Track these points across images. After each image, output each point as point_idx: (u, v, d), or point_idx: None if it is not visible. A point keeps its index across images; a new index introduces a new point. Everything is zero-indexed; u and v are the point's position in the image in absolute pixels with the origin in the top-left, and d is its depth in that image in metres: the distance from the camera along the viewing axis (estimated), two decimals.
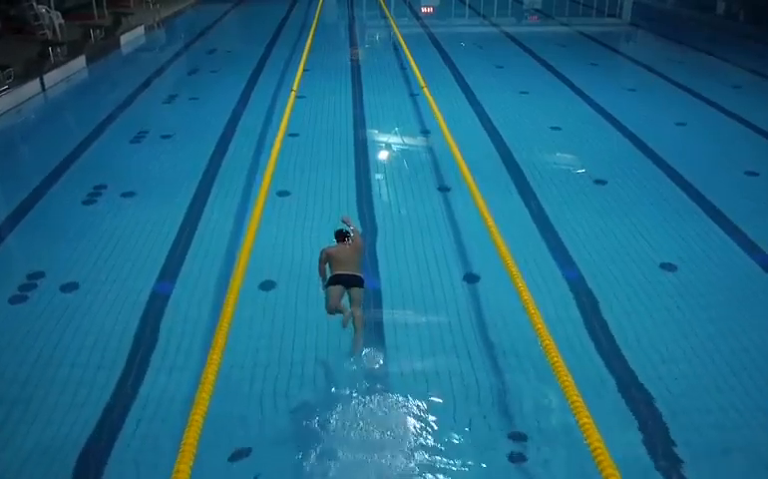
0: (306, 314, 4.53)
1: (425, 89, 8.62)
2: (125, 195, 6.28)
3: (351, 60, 11.94)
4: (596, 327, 4.39)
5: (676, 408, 3.66)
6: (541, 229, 5.63)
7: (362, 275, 4.53)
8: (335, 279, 4.44)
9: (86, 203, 6.17)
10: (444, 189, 6.43)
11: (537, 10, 19.29)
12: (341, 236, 4.78)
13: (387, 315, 4.60)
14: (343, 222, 4.94)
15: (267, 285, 4.83)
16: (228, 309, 3.49)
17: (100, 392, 3.79)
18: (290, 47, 12.80)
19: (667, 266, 5.08)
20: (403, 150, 7.55)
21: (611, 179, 6.65)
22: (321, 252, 4.65)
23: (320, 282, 4.56)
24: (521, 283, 3.81)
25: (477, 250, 5.25)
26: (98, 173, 6.77)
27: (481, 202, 4.99)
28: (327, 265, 4.56)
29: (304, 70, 9.92)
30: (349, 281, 4.44)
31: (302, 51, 11.11)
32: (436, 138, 7.62)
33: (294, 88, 8.51)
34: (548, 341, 3.26)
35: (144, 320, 4.47)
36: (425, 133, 8.01)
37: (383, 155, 7.46)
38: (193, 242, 5.43)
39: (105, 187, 6.45)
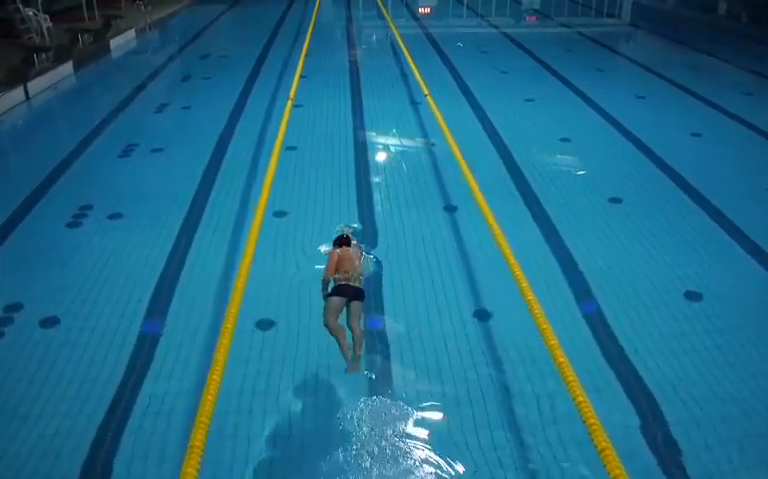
0: (307, 348, 4.21)
1: (428, 97, 8.29)
2: (112, 216, 5.92)
3: (349, 64, 11.58)
4: (624, 371, 4.06)
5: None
6: (556, 255, 5.30)
7: (363, 288, 4.38)
8: (338, 290, 4.24)
9: (70, 225, 5.81)
10: (450, 208, 6.09)
11: (536, 10, 18.98)
12: (342, 241, 4.63)
13: (393, 349, 4.27)
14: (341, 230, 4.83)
15: (265, 324, 4.48)
16: (221, 356, 3.15)
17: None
18: (287, 51, 12.45)
19: (693, 296, 4.77)
20: (406, 164, 7.20)
21: (627, 196, 6.33)
22: (332, 254, 4.48)
23: (320, 290, 4.34)
24: (538, 312, 3.50)
25: (488, 278, 4.93)
26: (83, 192, 6.41)
27: (493, 224, 4.67)
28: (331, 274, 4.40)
29: (301, 76, 9.57)
30: (351, 294, 4.24)
31: (299, 55, 10.76)
32: (441, 151, 7.30)
33: (291, 96, 8.17)
34: (572, 379, 2.98)
35: (132, 362, 4.13)
36: (429, 146, 7.68)
37: (385, 169, 7.13)
38: (184, 271, 5.08)
39: (90, 207, 6.09)
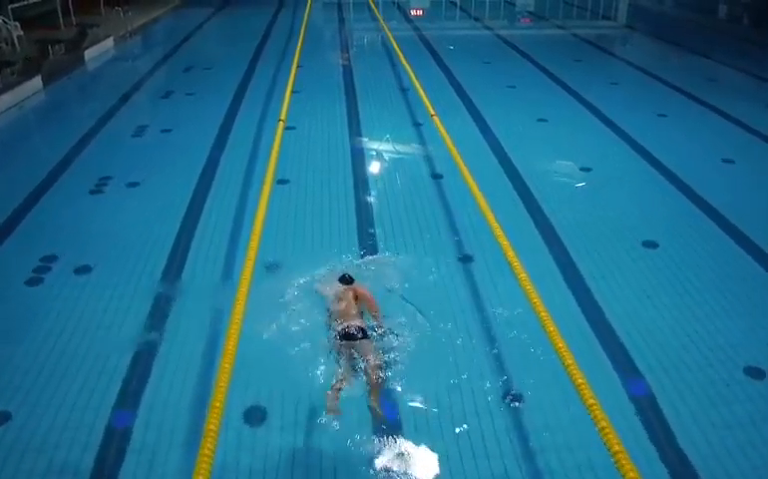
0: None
1: (435, 117, 7.61)
2: (79, 270, 5.21)
3: (344, 78, 10.89)
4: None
5: None
6: (591, 321, 4.65)
7: (364, 327, 4.23)
8: (340, 331, 4.13)
9: (30, 283, 5.10)
10: (467, 259, 5.43)
11: (530, 13, 18.44)
12: (344, 279, 4.70)
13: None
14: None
15: (253, 413, 3.81)
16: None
17: None
18: (276, 61, 11.74)
19: (754, 372, 4.15)
20: (413, 200, 6.53)
21: (663, 239, 5.69)
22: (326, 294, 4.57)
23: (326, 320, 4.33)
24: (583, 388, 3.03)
25: (517, 351, 4.29)
26: (47, 238, 5.69)
27: (523, 280, 4.13)
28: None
29: (293, 92, 8.90)
30: (354, 335, 4.12)
31: (290, 67, 10.08)
32: (452, 182, 6.67)
33: (282, 117, 7.48)
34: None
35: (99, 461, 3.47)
36: (438, 177, 7.01)
37: (388, 205, 6.45)
38: (162, 346, 4.38)
39: (55, 258, 5.37)
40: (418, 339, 4.32)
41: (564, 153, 7.70)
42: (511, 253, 4.51)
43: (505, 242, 4.67)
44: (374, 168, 7.41)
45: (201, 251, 5.52)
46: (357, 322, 4.23)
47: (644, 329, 4.55)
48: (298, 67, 10.34)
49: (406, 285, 4.92)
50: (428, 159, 7.51)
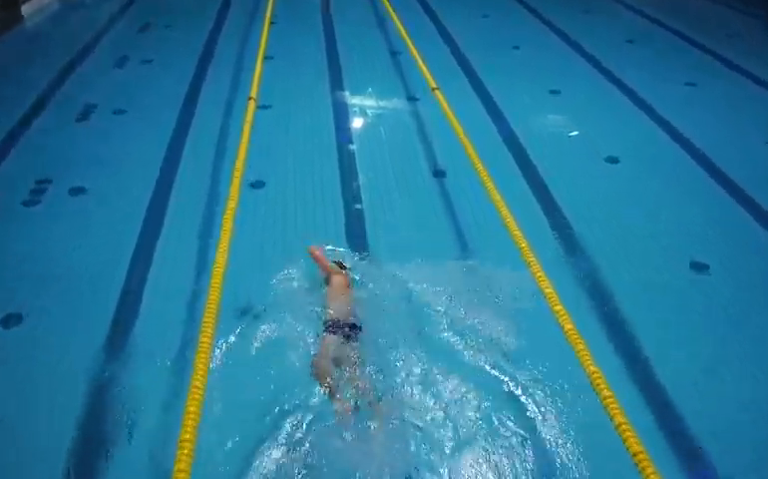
0: None
1: (436, 91, 6.52)
2: (7, 321, 4.24)
3: (325, 38, 9.65)
4: None
5: None
6: (632, 371, 3.86)
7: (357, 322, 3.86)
8: (332, 327, 3.78)
9: None
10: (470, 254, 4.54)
11: None
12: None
13: None
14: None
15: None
16: None
17: None
18: (246, 20, 10.37)
19: None
20: (410, 200, 5.61)
21: (713, 258, 4.87)
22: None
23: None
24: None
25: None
26: None
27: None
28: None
29: (265, 58, 7.72)
30: (347, 333, 3.76)
31: (261, 27, 8.78)
32: (455, 180, 5.75)
33: (252, 94, 6.33)
34: None
35: None
36: (440, 174, 6.06)
37: (384, 203, 5.53)
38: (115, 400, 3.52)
39: None
40: None
41: (586, 140, 6.74)
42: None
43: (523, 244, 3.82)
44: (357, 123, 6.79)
45: (162, 267, 4.62)
46: (351, 318, 3.86)
47: (700, 379, 3.79)
48: (271, 23, 9.07)
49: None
50: (427, 145, 6.55)
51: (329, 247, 4.64)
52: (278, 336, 3.87)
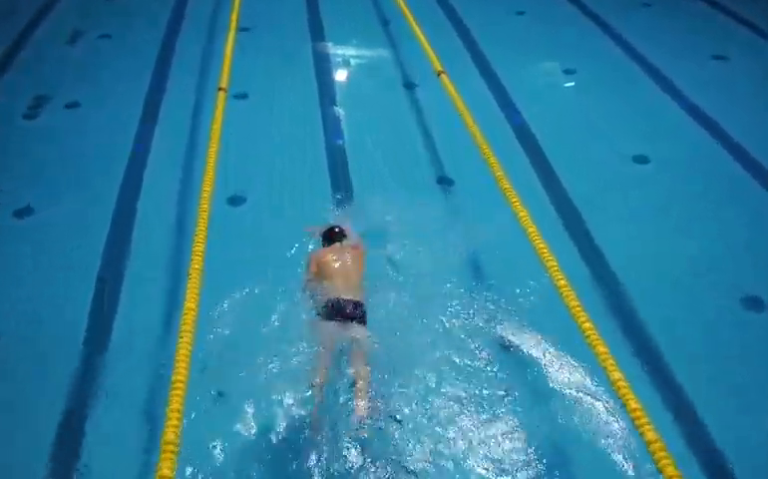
0: None
1: (442, 75, 5.55)
2: None
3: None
4: None
5: None
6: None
7: (363, 303, 3.44)
8: (329, 309, 3.35)
9: None
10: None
11: None
12: (333, 235, 3.88)
13: None
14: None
15: None
16: None
17: None
18: None
19: None
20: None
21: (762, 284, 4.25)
22: (307, 258, 3.78)
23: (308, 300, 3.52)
24: None
25: None
26: None
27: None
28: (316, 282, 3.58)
29: (238, 35, 6.76)
30: (348, 313, 3.32)
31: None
32: (462, 195, 5.05)
33: (223, 85, 5.40)
34: None
35: None
36: (446, 181, 5.33)
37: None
38: None
39: None
40: None
41: (607, 135, 5.99)
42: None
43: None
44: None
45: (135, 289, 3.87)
46: (355, 295, 3.42)
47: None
48: None
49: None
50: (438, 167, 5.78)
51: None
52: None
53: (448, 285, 3.96)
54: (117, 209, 4.84)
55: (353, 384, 3.22)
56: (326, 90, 6.67)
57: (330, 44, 7.52)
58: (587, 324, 2.72)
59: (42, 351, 3.72)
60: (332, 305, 3.37)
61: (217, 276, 3.36)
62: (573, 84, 6.86)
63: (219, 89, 5.15)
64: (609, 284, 4.20)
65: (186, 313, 2.69)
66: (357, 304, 3.40)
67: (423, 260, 4.14)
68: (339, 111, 6.33)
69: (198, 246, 3.15)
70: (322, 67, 7.05)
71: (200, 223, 3.39)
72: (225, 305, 3.71)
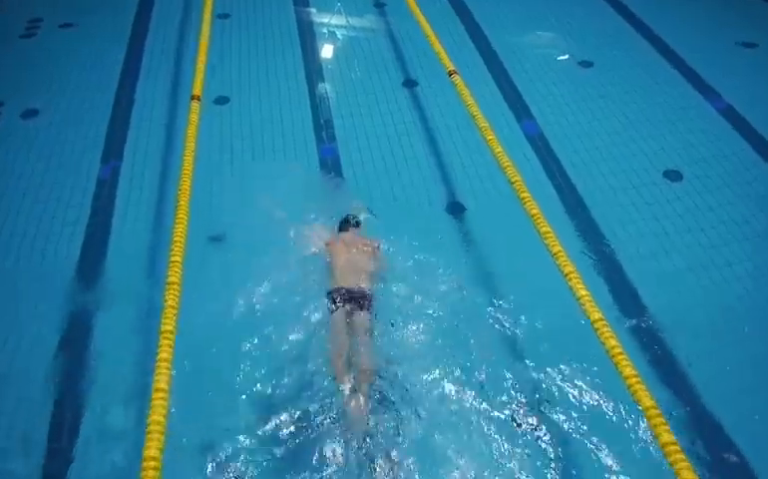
0: None
1: (455, 76, 4.92)
2: None
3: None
4: None
5: None
6: None
7: (369, 292, 3.46)
8: (336, 298, 3.41)
9: None
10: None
11: None
12: (348, 224, 3.97)
13: None
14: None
15: None
16: None
17: None
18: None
19: None
20: None
21: None
22: (325, 243, 3.83)
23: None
24: None
25: None
26: None
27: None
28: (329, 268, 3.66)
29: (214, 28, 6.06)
30: (352, 299, 3.39)
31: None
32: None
33: (197, 93, 4.67)
34: None
35: None
36: (457, 210, 4.75)
37: None
38: None
39: None
40: None
41: (635, 142, 5.37)
42: None
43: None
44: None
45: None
46: (361, 284, 3.45)
47: None
48: None
49: None
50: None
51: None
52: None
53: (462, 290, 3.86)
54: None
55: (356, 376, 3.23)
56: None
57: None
58: (612, 341, 2.67)
59: None
60: (337, 293, 3.43)
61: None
62: (589, 78, 6.20)
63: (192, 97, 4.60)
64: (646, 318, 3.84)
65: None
66: (361, 292, 3.43)
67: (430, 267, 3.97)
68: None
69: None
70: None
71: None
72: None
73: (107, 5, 7.20)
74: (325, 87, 5.98)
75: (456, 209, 4.70)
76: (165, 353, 2.53)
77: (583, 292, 2.93)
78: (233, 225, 4.38)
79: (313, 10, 7.17)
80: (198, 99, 4.62)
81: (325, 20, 7.02)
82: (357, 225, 3.98)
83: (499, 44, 6.53)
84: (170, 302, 2.73)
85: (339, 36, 6.75)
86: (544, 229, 3.30)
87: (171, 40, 6.58)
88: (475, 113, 4.38)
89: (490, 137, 4.12)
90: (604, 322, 2.77)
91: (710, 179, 4.95)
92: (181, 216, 3.30)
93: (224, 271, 3.98)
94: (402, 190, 4.80)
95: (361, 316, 3.38)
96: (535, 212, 3.42)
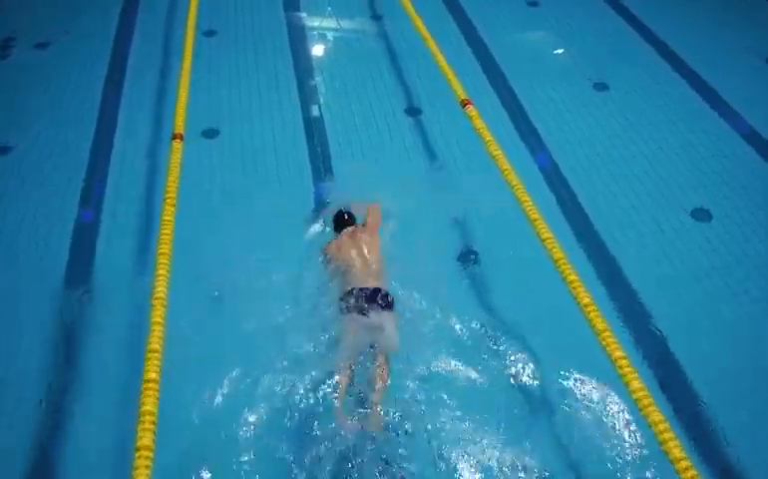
0: None
1: (469, 107, 4.58)
2: None
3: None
4: None
5: None
6: None
7: (386, 288, 3.23)
8: (352, 301, 3.17)
9: None
10: None
11: None
12: (342, 221, 3.76)
13: None
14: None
15: None
16: None
17: None
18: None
19: None
20: None
21: None
22: (324, 250, 3.63)
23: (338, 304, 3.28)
24: None
25: None
26: None
27: None
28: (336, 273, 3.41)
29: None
30: (373, 302, 3.12)
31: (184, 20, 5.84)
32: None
33: (179, 130, 4.23)
34: None
35: None
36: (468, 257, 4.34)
37: None
38: None
39: None
40: None
41: (662, 179, 4.92)
42: None
43: None
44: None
45: None
46: (377, 282, 3.24)
47: None
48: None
49: None
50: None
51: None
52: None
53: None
54: None
55: (370, 385, 3.08)
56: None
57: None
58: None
59: None
60: (354, 296, 3.18)
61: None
62: (605, 102, 5.79)
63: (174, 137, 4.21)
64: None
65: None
66: (379, 291, 3.19)
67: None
68: None
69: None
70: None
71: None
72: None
73: (85, 21, 6.72)
74: (322, 120, 5.49)
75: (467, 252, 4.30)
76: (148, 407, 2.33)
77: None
78: (224, 280, 3.95)
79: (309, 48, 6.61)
80: (181, 137, 4.22)
81: (325, 58, 6.51)
82: (351, 217, 3.77)
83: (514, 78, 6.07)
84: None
85: (337, 83, 6.04)
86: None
87: (154, 59, 6.12)
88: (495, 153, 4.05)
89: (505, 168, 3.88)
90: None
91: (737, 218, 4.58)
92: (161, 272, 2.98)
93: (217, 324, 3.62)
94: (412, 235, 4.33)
95: (385, 315, 3.14)
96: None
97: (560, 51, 6.44)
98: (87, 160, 4.90)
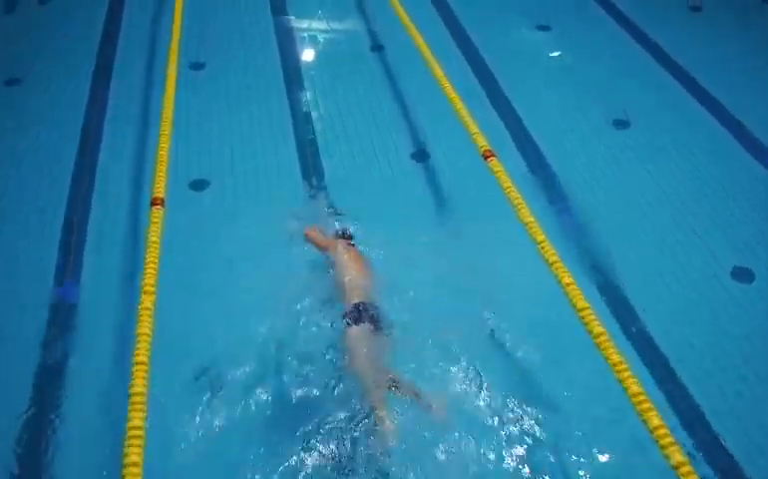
0: None
1: (491, 160, 3.93)
2: None
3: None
4: None
5: None
6: None
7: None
8: (358, 313, 3.18)
9: None
10: None
11: None
12: (347, 238, 3.76)
13: None
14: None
15: None
16: None
17: None
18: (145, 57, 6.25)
19: None
20: None
21: None
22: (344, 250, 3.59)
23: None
24: None
25: None
26: None
27: None
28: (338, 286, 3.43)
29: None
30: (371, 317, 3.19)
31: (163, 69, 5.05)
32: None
33: (159, 194, 3.56)
34: None
35: None
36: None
37: None
38: None
39: None
40: None
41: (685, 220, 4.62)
42: None
43: None
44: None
45: None
46: (373, 300, 3.30)
47: None
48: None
49: None
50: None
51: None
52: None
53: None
54: None
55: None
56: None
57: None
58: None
59: None
60: (360, 310, 3.21)
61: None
62: (626, 142, 5.41)
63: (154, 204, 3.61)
64: None
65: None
66: (375, 308, 3.26)
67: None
68: None
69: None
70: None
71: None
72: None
73: (60, 58, 6.23)
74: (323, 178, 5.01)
75: None
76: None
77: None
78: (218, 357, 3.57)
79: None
80: (162, 203, 3.64)
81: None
82: (351, 237, 3.79)
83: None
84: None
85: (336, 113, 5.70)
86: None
87: (135, 95, 5.68)
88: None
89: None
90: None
91: None
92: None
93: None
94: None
95: (378, 335, 3.19)
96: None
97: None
98: (60, 228, 4.44)
